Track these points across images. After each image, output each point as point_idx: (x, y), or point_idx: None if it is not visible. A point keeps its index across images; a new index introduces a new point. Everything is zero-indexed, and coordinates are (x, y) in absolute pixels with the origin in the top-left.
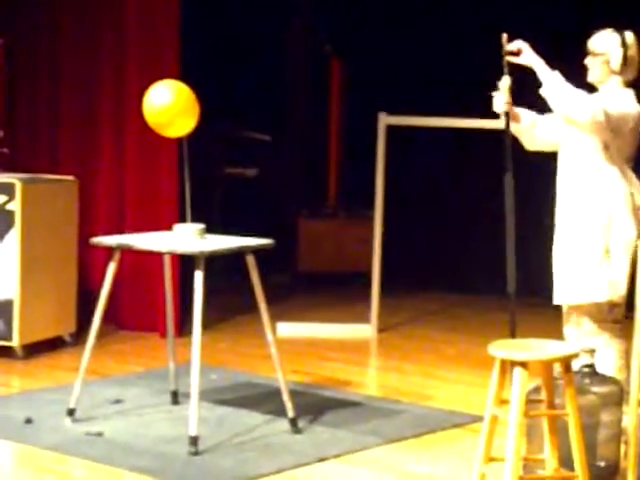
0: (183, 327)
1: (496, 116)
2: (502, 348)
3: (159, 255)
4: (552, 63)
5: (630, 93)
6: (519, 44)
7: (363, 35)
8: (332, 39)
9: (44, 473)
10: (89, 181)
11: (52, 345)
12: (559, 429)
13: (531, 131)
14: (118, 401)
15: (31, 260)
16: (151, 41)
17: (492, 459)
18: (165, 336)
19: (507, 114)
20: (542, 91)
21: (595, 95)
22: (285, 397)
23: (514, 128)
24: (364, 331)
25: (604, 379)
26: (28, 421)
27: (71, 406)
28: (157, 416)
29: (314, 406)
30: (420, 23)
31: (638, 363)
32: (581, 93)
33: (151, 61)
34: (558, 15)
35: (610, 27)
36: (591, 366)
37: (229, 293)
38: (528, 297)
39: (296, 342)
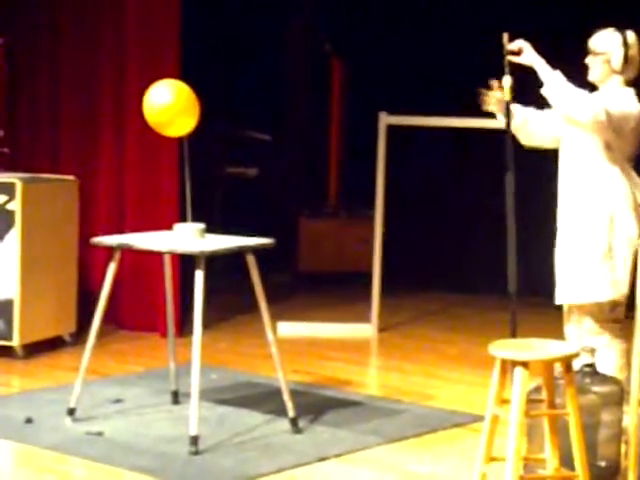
0: (183, 327)
1: (494, 116)
2: (503, 348)
3: (159, 255)
4: (553, 62)
5: (631, 92)
6: (520, 43)
7: (363, 34)
8: (332, 38)
9: (44, 473)
10: (89, 181)
11: (52, 345)
12: (560, 429)
13: (526, 127)
14: (118, 401)
15: (31, 260)
16: (151, 41)
17: (493, 459)
18: (165, 336)
19: (508, 114)
20: (543, 91)
21: (596, 94)
22: (285, 397)
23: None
24: (365, 331)
25: (605, 379)
26: (28, 421)
27: (71, 406)
28: (157, 416)
29: (315, 406)
30: (420, 22)
31: (638, 362)
32: (582, 93)
33: (151, 61)
34: (559, 14)
35: (611, 26)
36: (592, 366)
37: (229, 293)
38: (529, 297)
39: (297, 342)
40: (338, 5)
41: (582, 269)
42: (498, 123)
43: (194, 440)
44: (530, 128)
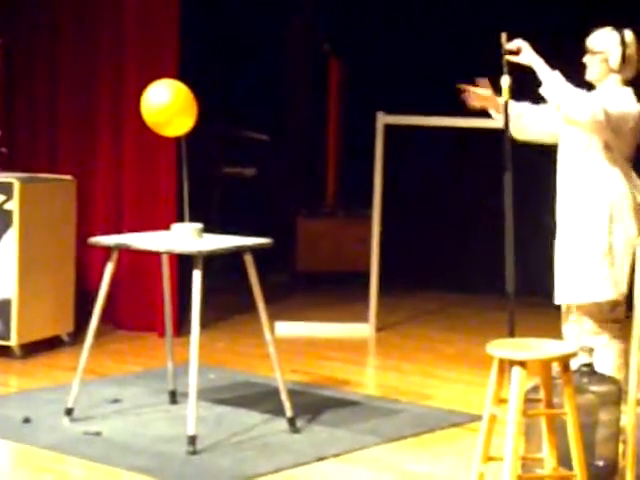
0: (181, 327)
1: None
2: (501, 347)
3: (157, 255)
4: (552, 62)
5: (629, 92)
6: (519, 43)
7: (362, 34)
8: (331, 38)
9: (42, 472)
10: (87, 181)
11: (50, 345)
12: (557, 428)
13: (519, 122)
14: (116, 401)
15: (29, 260)
16: (150, 41)
17: (491, 458)
18: (163, 336)
19: (507, 113)
20: (542, 90)
21: (594, 94)
22: (283, 396)
23: (498, 119)
24: (363, 330)
25: (602, 378)
26: (26, 420)
27: (69, 406)
28: (155, 415)
29: (312, 405)
30: (419, 22)
31: (636, 362)
32: (581, 92)
33: (150, 61)
34: (557, 14)
35: (609, 25)
36: (589, 365)
37: (227, 292)
38: (527, 296)
39: (294, 341)
40: (337, 5)
41: (582, 269)
42: (496, 123)
43: (192, 440)
44: (523, 123)
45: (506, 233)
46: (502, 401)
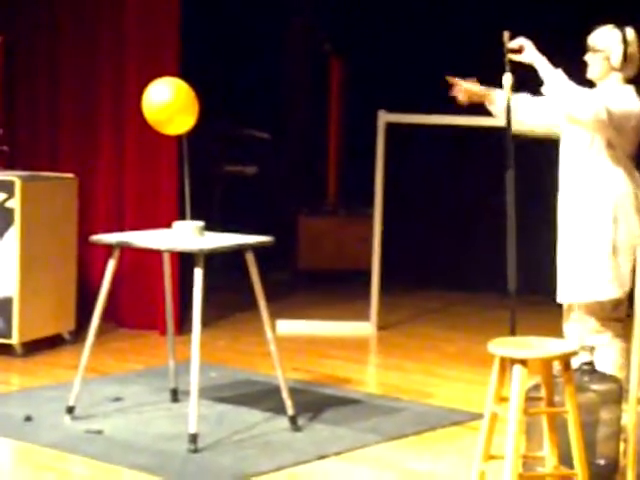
0: (183, 325)
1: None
2: (502, 346)
3: (158, 253)
4: (554, 60)
5: (631, 90)
6: (521, 41)
7: (363, 33)
8: (332, 37)
9: (44, 471)
10: (89, 179)
11: (51, 343)
12: (558, 427)
13: (514, 114)
14: (118, 399)
15: (30, 258)
16: (151, 41)
17: (492, 457)
18: (165, 334)
19: (509, 112)
20: (544, 89)
21: (595, 91)
22: (285, 395)
23: (494, 111)
24: (364, 329)
25: (603, 377)
26: (28, 419)
27: (70, 404)
28: (157, 414)
29: (314, 404)
30: (420, 21)
31: (637, 361)
32: (583, 91)
33: (151, 60)
34: (560, 12)
35: (611, 23)
36: (590, 364)
37: (229, 291)
38: (528, 295)
39: (296, 340)
40: (338, 5)
41: (586, 268)
42: (497, 121)
43: (193, 438)
44: (518, 116)
45: (508, 231)
46: (503, 399)
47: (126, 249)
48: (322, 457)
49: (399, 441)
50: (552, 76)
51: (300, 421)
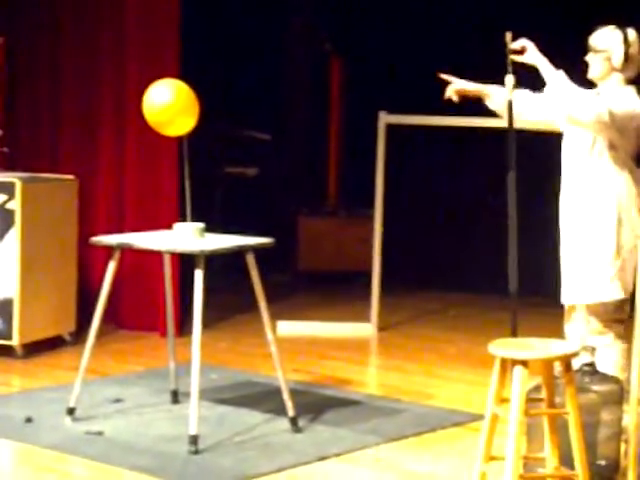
0: (183, 326)
1: (494, 114)
2: (502, 347)
3: (159, 254)
4: (555, 61)
5: (632, 90)
6: (523, 42)
7: (363, 34)
8: (332, 38)
9: (44, 472)
10: (89, 180)
11: (52, 344)
12: (559, 428)
13: (516, 116)
14: (118, 400)
15: (31, 259)
16: (151, 41)
17: (492, 458)
18: (165, 335)
19: (510, 112)
20: (546, 91)
21: (595, 91)
22: (285, 396)
23: (492, 106)
24: (364, 330)
25: (604, 378)
26: (28, 420)
27: (71, 405)
28: (157, 415)
29: (314, 405)
30: (420, 22)
31: (638, 362)
32: (585, 93)
33: (151, 61)
34: (561, 13)
35: (612, 24)
36: (591, 365)
37: (229, 292)
38: (529, 296)
39: (296, 341)
40: (338, 5)
41: (590, 270)
42: (498, 122)
43: (194, 439)
44: (522, 116)
45: (509, 232)
46: (504, 401)
47: (126, 250)
48: (322, 458)
49: (400, 442)
50: (554, 78)
51: (301, 422)
